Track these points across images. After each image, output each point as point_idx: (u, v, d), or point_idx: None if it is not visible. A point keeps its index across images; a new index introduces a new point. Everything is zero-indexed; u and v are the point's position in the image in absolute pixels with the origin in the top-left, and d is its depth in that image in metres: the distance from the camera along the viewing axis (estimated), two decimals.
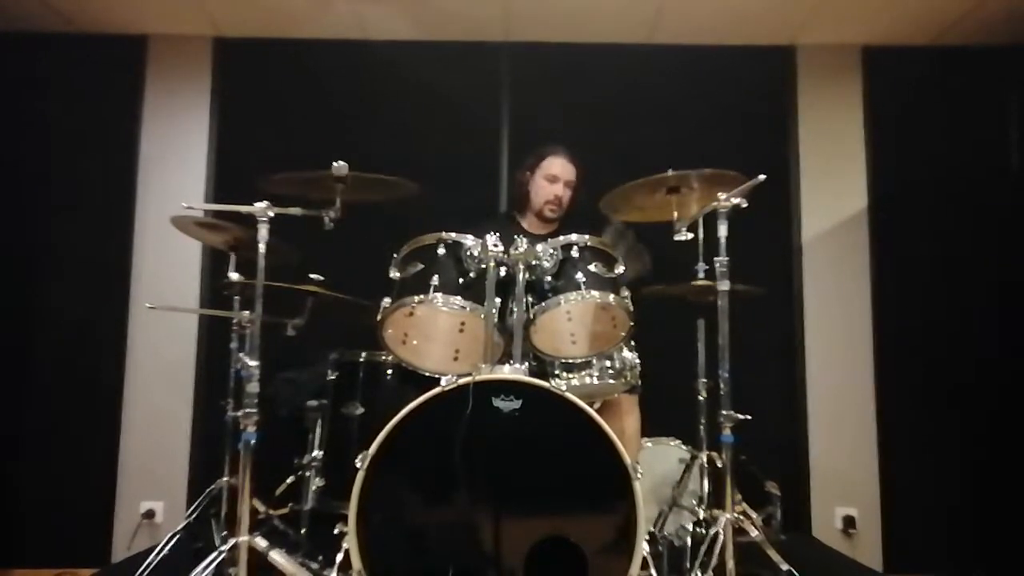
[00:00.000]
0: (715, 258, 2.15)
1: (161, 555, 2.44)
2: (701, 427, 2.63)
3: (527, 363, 2.12)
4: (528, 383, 1.92)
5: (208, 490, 2.58)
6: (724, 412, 2.12)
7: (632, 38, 3.47)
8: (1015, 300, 3.26)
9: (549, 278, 2.16)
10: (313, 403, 2.50)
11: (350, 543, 1.84)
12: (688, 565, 2.27)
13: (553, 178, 2.78)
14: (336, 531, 1.97)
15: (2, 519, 3.17)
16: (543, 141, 2.89)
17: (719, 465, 2.32)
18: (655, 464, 2.76)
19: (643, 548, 1.85)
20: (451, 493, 1.86)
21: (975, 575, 3.15)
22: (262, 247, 2.09)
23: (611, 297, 2.15)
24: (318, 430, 2.48)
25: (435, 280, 2.09)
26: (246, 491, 1.99)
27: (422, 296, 2.09)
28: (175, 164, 3.43)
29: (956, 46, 3.43)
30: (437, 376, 2.15)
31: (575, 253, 2.17)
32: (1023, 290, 3.25)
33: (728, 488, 2.12)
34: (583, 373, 2.35)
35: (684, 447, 2.79)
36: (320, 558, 2.21)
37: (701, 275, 2.38)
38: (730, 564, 2.04)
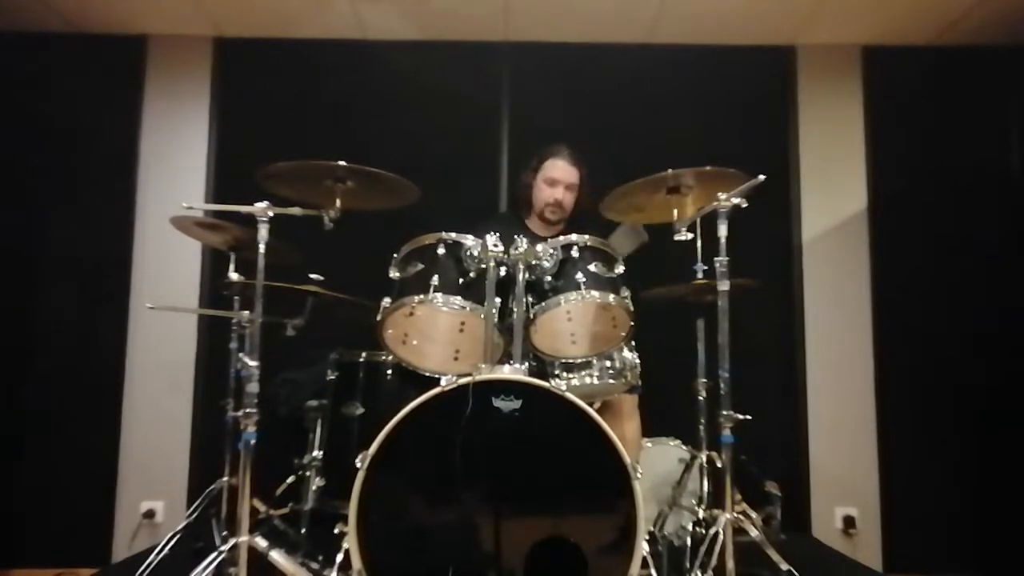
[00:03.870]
0: (715, 258, 2.15)
1: (161, 555, 2.44)
2: (701, 427, 2.63)
3: (527, 363, 2.12)
4: (528, 383, 1.92)
5: (208, 490, 2.58)
6: (724, 412, 2.12)
7: (632, 38, 3.47)
8: (1015, 300, 3.26)
9: (549, 278, 2.16)
10: (313, 403, 2.50)
11: (350, 543, 1.84)
12: (688, 565, 2.27)
13: (553, 181, 2.76)
14: (336, 531, 1.98)
15: (2, 519, 3.17)
16: (543, 141, 2.89)
17: (719, 465, 2.32)
18: (655, 464, 2.76)
19: (643, 548, 1.85)
20: (451, 493, 1.86)
21: (974, 575, 3.15)
22: (262, 247, 2.09)
23: (611, 297, 2.15)
24: (318, 430, 2.48)
25: (435, 280, 2.09)
26: (246, 491, 1.99)
27: (422, 296, 2.09)
28: (175, 164, 3.43)
29: (956, 46, 3.43)
30: (437, 376, 2.15)
31: (575, 253, 2.17)
32: (1023, 290, 3.25)
33: (728, 488, 2.11)
34: (583, 373, 2.35)
35: (684, 447, 2.79)
36: (320, 558, 2.21)
37: (700, 275, 2.38)
38: (730, 564, 2.04)
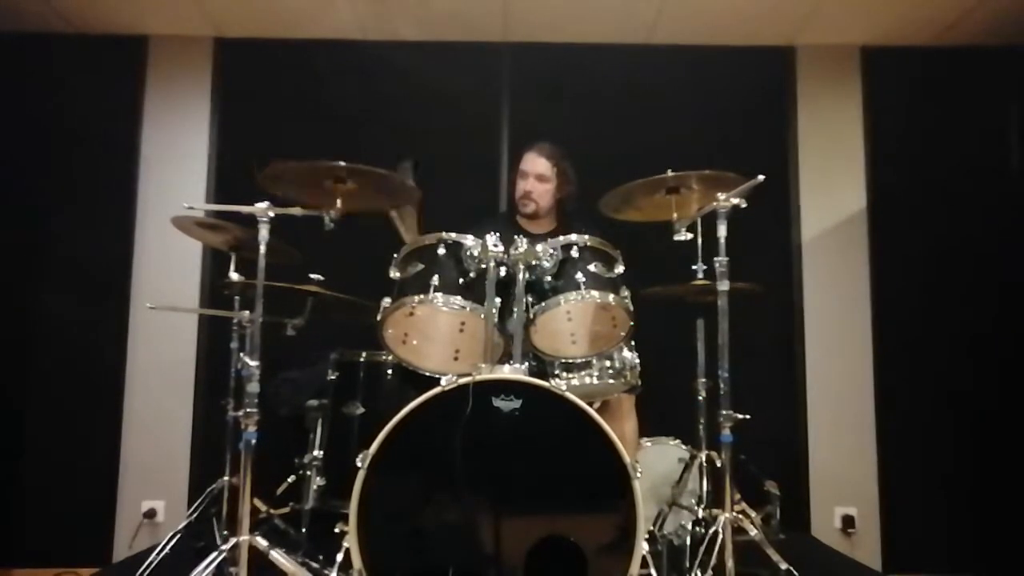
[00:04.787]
0: (714, 258, 2.16)
1: (162, 554, 2.44)
2: (700, 427, 2.64)
3: (527, 363, 2.12)
4: (528, 383, 1.93)
5: (209, 489, 2.58)
6: (723, 412, 2.12)
7: (632, 38, 3.47)
8: (1014, 300, 3.27)
9: (549, 278, 2.16)
10: (314, 403, 2.50)
11: (350, 542, 1.84)
12: (688, 564, 2.28)
13: (523, 173, 2.81)
14: (336, 530, 1.98)
15: (2, 519, 3.17)
16: (543, 141, 2.89)
17: (718, 464, 2.32)
18: (655, 463, 2.76)
19: (643, 547, 1.86)
20: (451, 493, 1.86)
21: (974, 575, 3.16)
22: (262, 247, 2.08)
23: (611, 297, 2.15)
24: (319, 430, 2.49)
25: (435, 280, 2.09)
26: (247, 490, 1.99)
27: (422, 296, 2.09)
28: (175, 164, 3.43)
29: (956, 46, 3.44)
30: (437, 376, 2.14)
31: (575, 253, 2.18)
32: (1022, 290, 3.26)
33: (727, 487, 2.12)
34: (583, 373, 2.36)
35: (683, 446, 2.79)
36: (320, 557, 2.21)
37: (700, 275, 2.38)
38: (729, 563, 2.04)
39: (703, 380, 2.62)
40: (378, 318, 2.15)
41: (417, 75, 3.42)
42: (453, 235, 2.16)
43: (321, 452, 2.45)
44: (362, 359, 2.56)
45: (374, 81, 3.47)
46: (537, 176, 2.79)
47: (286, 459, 2.57)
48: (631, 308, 2.19)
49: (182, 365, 3.32)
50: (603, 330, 2.23)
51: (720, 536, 2.09)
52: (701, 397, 2.62)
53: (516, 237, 2.16)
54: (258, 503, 2.48)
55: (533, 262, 2.15)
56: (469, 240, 2.14)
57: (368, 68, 3.46)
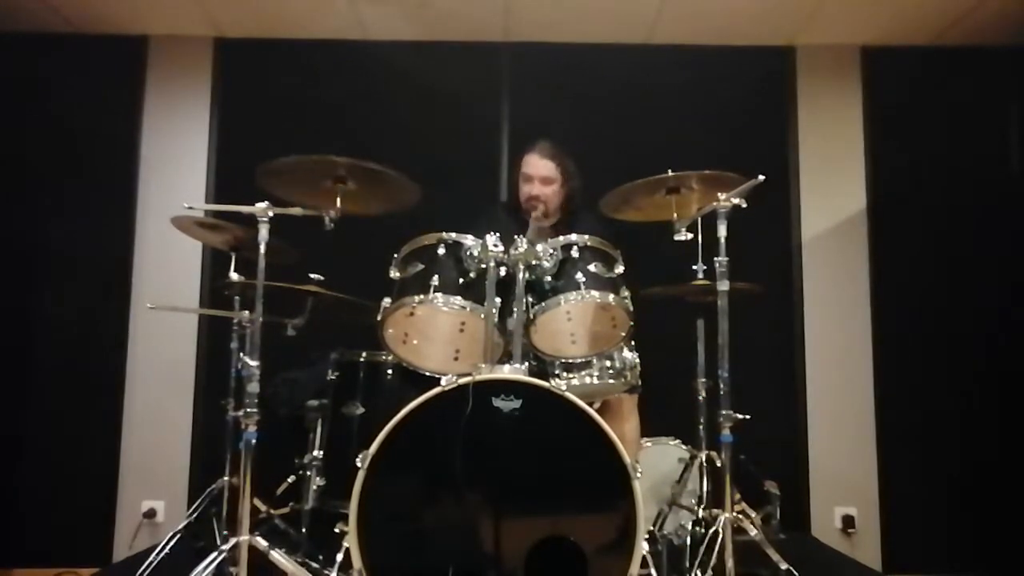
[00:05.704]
0: (715, 258, 2.16)
1: (162, 554, 2.44)
2: (700, 427, 2.64)
3: (527, 363, 2.12)
4: (528, 383, 1.92)
5: (209, 489, 2.58)
6: (723, 412, 2.12)
7: (632, 38, 3.47)
8: (1014, 300, 3.27)
9: (549, 278, 2.16)
10: (314, 403, 2.50)
11: (350, 542, 1.84)
12: (688, 564, 2.28)
13: (527, 177, 2.75)
14: (336, 530, 1.98)
15: (2, 519, 3.17)
16: (541, 141, 2.89)
17: (718, 464, 2.32)
18: (655, 463, 2.76)
19: (643, 547, 1.86)
20: (451, 493, 1.86)
21: (974, 575, 3.16)
22: (262, 247, 2.09)
23: (611, 297, 2.15)
24: (319, 430, 2.49)
25: (435, 280, 2.10)
26: (247, 490, 1.99)
27: (422, 296, 2.09)
28: (175, 164, 3.43)
29: (956, 46, 3.44)
30: (437, 376, 2.14)
31: (575, 253, 2.18)
32: (1022, 290, 3.26)
33: (727, 487, 2.12)
34: (583, 373, 2.35)
35: (683, 447, 2.80)
36: (320, 557, 2.21)
37: (700, 275, 2.38)
38: (729, 563, 2.04)
39: (703, 380, 2.62)
40: (378, 318, 2.16)
41: (417, 75, 3.42)
42: (453, 235, 2.16)
43: (321, 452, 2.45)
44: (362, 359, 2.56)
45: (374, 81, 3.47)
46: (542, 179, 2.75)
47: (286, 459, 2.57)
48: (631, 308, 2.19)
49: (182, 365, 3.32)
50: (603, 330, 2.23)
51: (720, 536, 2.09)
52: (701, 397, 2.62)
53: (516, 237, 2.15)
54: (258, 503, 2.48)
55: (533, 262, 2.15)
56: (469, 240, 2.14)
57: (368, 68, 3.46)
